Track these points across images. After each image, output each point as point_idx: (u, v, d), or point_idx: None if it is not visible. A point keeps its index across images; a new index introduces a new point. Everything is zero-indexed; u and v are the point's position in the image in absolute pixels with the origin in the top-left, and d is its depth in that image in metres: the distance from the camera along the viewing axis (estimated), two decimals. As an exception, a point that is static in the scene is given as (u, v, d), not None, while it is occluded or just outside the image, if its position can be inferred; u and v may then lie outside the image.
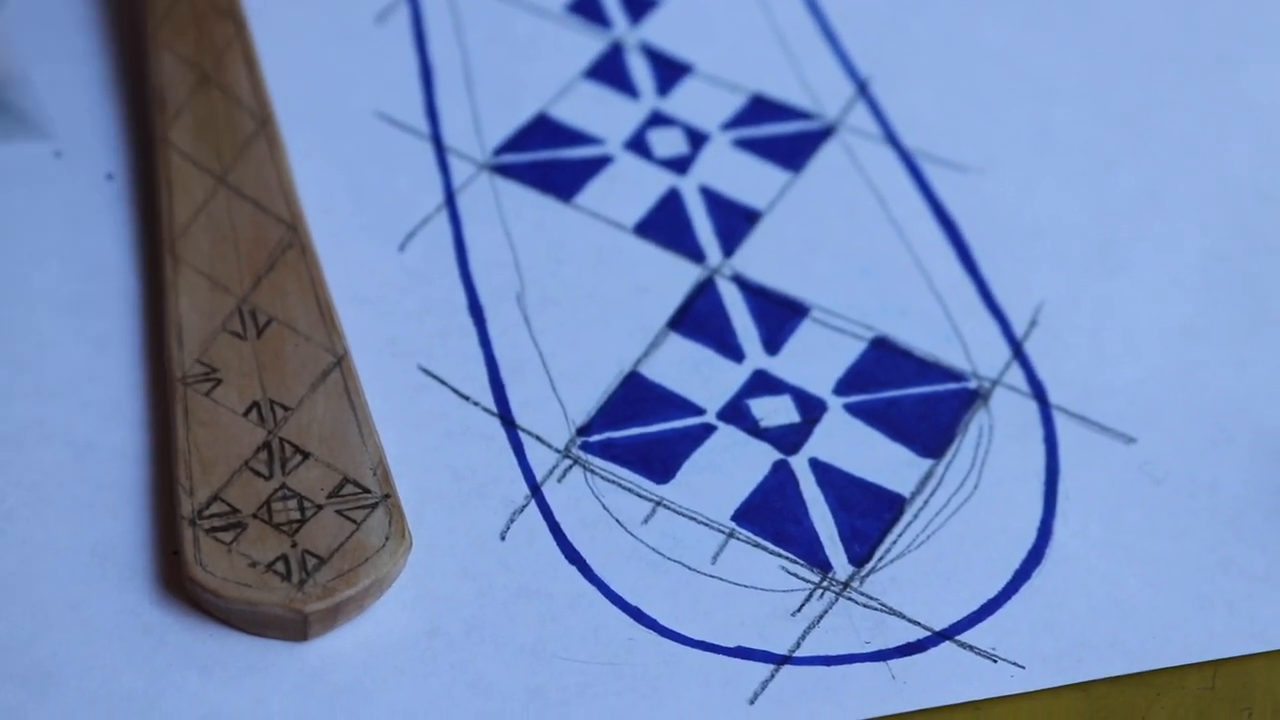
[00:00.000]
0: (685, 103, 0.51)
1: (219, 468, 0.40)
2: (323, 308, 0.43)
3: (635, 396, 0.44)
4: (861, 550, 0.41)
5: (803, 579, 0.41)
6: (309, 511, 0.40)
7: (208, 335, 0.43)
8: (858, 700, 0.39)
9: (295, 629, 0.39)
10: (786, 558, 0.41)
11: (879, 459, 0.43)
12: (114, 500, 0.41)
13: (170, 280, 0.44)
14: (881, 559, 0.41)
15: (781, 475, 0.43)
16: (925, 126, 0.51)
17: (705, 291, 0.46)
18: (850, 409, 0.44)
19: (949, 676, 0.39)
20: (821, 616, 0.40)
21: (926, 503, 0.42)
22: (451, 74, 0.50)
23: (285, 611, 0.38)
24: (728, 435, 0.43)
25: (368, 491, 0.40)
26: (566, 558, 0.41)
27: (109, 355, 0.43)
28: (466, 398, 0.43)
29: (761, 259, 0.47)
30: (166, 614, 0.39)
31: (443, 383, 0.44)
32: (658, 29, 0.52)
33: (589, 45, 0.52)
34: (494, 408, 0.43)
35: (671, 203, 0.48)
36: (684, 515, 0.42)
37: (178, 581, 0.39)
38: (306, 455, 0.41)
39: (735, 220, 0.48)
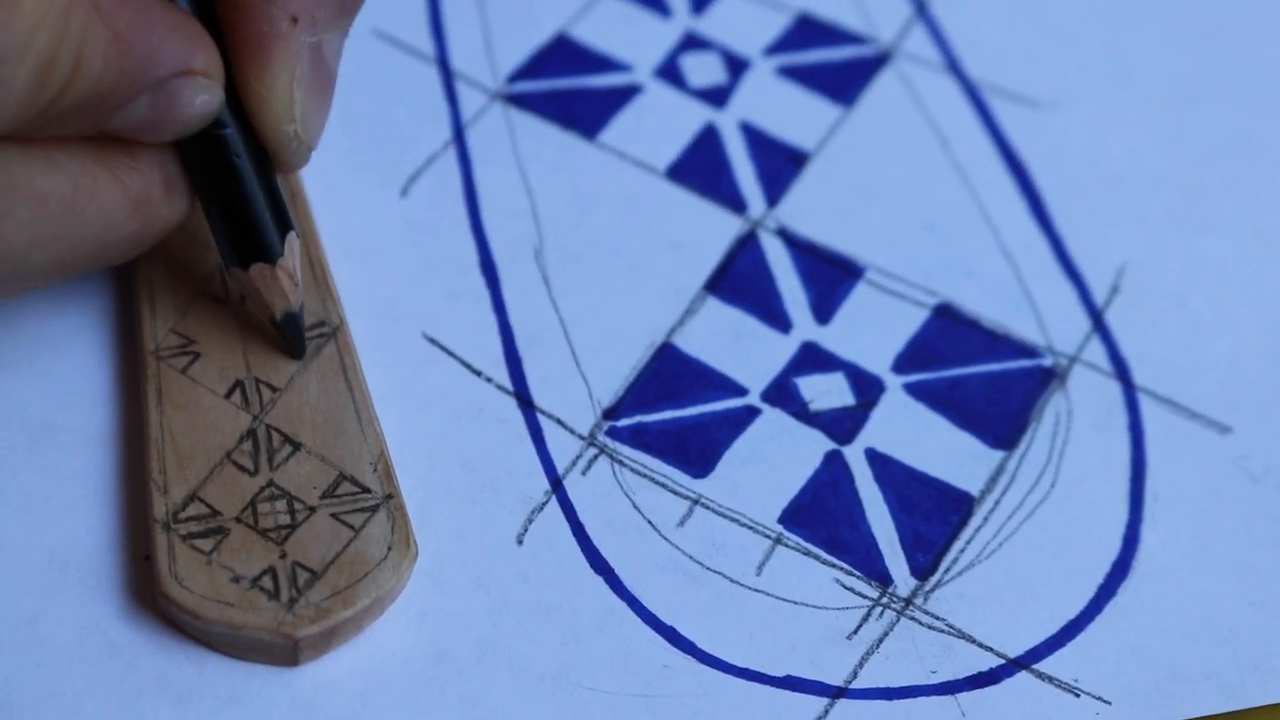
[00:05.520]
0: (722, 22, 0.45)
1: (197, 460, 0.35)
2: (315, 266, 0.38)
3: (669, 373, 0.39)
4: (925, 560, 0.37)
5: (859, 594, 0.36)
6: (300, 515, 0.35)
7: (184, 300, 0.38)
8: (923, 740, 0.34)
9: (284, 654, 0.34)
10: (841, 568, 0.36)
11: (944, 450, 0.38)
12: (76, 493, 0.36)
13: (141, 234, 0.38)
14: (948, 570, 0.36)
15: (835, 469, 0.38)
16: (991, 53, 0.45)
17: (747, 248, 0.41)
18: (911, 390, 0.39)
19: (1027, 713, 0.35)
20: (881, 640, 0.35)
21: (998, 503, 0.37)
22: (460, -15, 0.45)
23: (273, 636, 0.33)
24: (773, 420, 0.38)
25: (367, 491, 0.35)
26: (593, 566, 0.36)
27: (71, 319, 0.38)
28: (478, 373, 0.38)
29: (810, 210, 0.42)
30: (136, 631, 0.34)
31: (451, 354, 0.38)
32: (691, -65, 0.46)
33: (614, -47, 0.46)
34: (509, 385, 0.38)
35: (708, 141, 0.43)
36: (725, 516, 0.37)
37: (149, 593, 0.34)
38: (297, 446, 0.36)
39: (779, 163, 0.42)
